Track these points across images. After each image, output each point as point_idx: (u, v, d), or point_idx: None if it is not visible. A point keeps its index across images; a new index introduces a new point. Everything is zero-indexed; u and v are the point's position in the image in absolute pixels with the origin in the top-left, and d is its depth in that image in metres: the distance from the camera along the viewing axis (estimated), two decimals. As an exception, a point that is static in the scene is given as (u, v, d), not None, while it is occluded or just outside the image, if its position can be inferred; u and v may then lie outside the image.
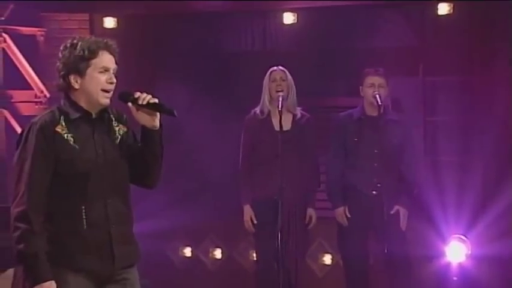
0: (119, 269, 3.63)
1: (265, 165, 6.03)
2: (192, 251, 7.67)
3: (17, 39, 7.68)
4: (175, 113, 3.54)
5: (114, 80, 3.59)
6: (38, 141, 3.50)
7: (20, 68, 7.71)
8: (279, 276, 5.78)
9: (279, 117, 5.89)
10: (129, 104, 3.58)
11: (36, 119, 3.58)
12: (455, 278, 6.48)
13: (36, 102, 7.83)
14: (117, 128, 3.68)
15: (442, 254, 6.59)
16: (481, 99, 6.87)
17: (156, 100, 3.58)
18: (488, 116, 6.74)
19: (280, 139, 5.81)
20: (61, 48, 3.60)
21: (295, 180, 6.03)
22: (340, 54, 7.39)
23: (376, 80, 5.98)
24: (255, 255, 6.48)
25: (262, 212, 6.09)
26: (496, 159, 6.62)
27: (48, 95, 7.88)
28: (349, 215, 6.05)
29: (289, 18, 7.33)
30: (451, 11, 6.89)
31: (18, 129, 7.57)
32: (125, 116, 3.72)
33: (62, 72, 3.57)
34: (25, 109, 7.79)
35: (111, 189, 3.60)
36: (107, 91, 3.57)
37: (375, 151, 5.94)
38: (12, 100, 7.73)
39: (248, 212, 6.15)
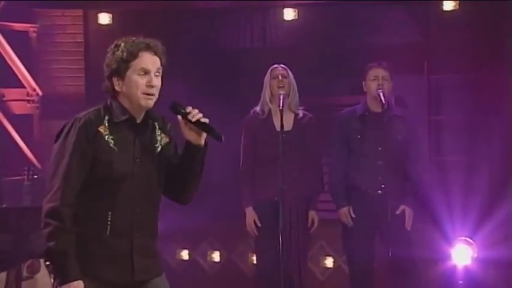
0: (138, 282, 3.60)
1: (266, 166, 6.00)
2: (189, 254, 7.65)
3: (9, 35, 7.68)
4: (223, 138, 3.52)
5: (155, 83, 3.52)
6: (78, 138, 3.48)
7: (12, 66, 7.71)
8: (280, 280, 5.74)
9: (280, 116, 5.86)
10: (179, 117, 3.55)
11: (80, 114, 3.55)
12: (461, 282, 6.50)
13: (28, 100, 7.83)
14: (159, 138, 3.66)
15: (447, 257, 6.61)
16: (488, 98, 6.89)
17: (207, 120, 3.54)
18: (495, 115, 6.77)
19: (281, 139, 5.79)
20: (108, 50, 3.59)
21: (297, 182, 6.00)
22: (343, 51, 7.38)
23: (380, 72, 5.94)
24: (254, 258, 6.46)
25: (262, 214, 6.06)
26: (503, 159, 6.62)
27: (40, 93, 7.86)
28: (353, 216, 6.02)
29: (289, 14, 7.35)
30: (457, 6, 6.93)
31: (10, 129, 7.55)
32: (169, 125, 3.69)
33: (106, 74, 3.57)
34: (17, 108, 7.78)
35: (142, 198, 3.58)
36: (148, 94, 3.53)
37: (379, 149, 5.90)
38: (4, 99, 7.71)
39: (251, 214, 6.11)
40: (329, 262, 7.33)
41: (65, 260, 3.43)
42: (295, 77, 6.15)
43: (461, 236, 6.56)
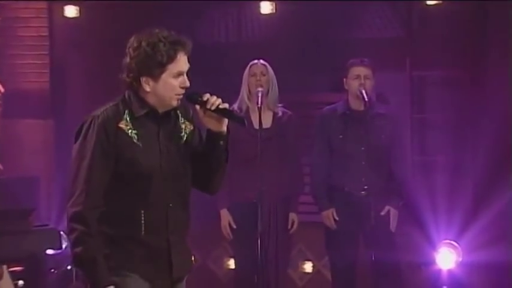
0: (176, 278, 3.64)
1: (244, 166, 5.98)
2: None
3: (-32, 28, 7.61)
4: (246, 122, 3.60)
5: (187, 84, 3.54)
6: (98, 137, 3.48)
7: (-29, 61, 7.62)
8: (259, 286, 5.75)
9: (258, 114, 5.86)
10: (197, 106, 3.56)
11: (98, 112, 3.53)
12: (445, 287, 6.49)
13: (-11, 98, 7.71)
14: (183, 126, 3.67)
15: (431, 261, 6.60)
16: (474, 95, 6.89)
17: (226, 105, 3.56)
18: (481, 113, 6.76)
19: (259, 138, 5.78)
20: (133, 44, 3.53)
21: (276, 182, 6.01)
22: (323, 46, 7.35)
23: (362, 70, 5.97)
24: (230, 263, 6.47)
25: (240, 217, 6.08)
26: (490, 159, 6.60)
27: (2, 90, 7.78)
28: (337, 218, 6.03)
29: (266, 7, 7.33)
30: (441, 0, 6.92)
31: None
32: (191, 112, 3.70)
33: (132, 74, 3.52)
34: (-23, 106, 7.66)
35: (173, 193, 3.58)
36: (179, 94, 3.55)
37: (362, 148, 5.93)
38: (-37, 96, 7.60)
39: (225, 216, 6.12)
40: (308, 267, 7.34)
41: (94, 266, 3.44)
42: (272, 74, 6.13)
43: (446, 239, 6.57)
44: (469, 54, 6.99)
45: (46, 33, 7.78)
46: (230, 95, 6.19)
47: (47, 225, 6.26)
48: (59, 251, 6.30)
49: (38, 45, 7.81)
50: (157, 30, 3.53)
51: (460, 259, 6.54)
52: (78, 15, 7.60)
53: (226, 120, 3.59)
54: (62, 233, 5.95)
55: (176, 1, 7.32)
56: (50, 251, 6.30)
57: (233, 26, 7.91)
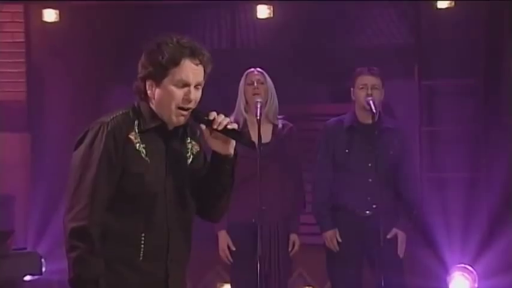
0: None
1: (242, 184, 5.74)
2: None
3: None
4: (256, 144, 3.41)
5: (193, 97, 3.42)
6: (106, 146, 3.39)
7: None
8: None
9: (257, 127, 5.79)
10: (202, 126, 3.49)
11: (107, 118, 3.45)
12: (458, 315, 6.55)
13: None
14: (190, 146, 3.58)
15: (444, 286, 6.61)
16: (488, 106, 6.90)
17: (235, 126, 3.50)
18: (496, 125, 6.80)
19: (259, 153, 5.68)
20: (149, 46, 3.47)
21: (277, 201, 5.95)
22: (324, 53, 7.36)
23: (370, 80, 5.93)
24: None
25: (238, 238, 6.02)
26: (507, 175, 6.61)
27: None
28: (340, 240, 5.98)
29: (263, 11, 7.31)
30: (452, 4, 6.94)
31: None
32: (198, 131, 3.60)
33: (140, 75, 3.47)
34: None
35: (177, 218, 3.50)
36: (183, 109, 3.43)
37: (369, 165, 5.89)
38: None
39: (224, 238, 6.05)
40: (309, 293, 7.32)
41: None
42: (270, 83, 6.17)
43: (460, 264, 6.59)
44: (483, 62, 7.03)
45: (22, 39, 7.77)
46: (223, 107, 6.12)
47: (24, 248, 6.19)
48: (39, 276, 6.25)
49: (14, 52, 7.79)
50: (177, 35, 3.49)
51: (476, 285, 6.54)
52: (57, 19, 7.57)
53: (233, 142, 3.51)
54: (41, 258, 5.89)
55: (164, 4, 7.33)
56: (28, 277, 6.25)
57: (227, 32, 7.92)
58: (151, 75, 3.42)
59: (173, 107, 3.42)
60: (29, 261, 5.88)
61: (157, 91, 3.43)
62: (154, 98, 3.45)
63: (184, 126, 3.52)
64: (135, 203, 3.43)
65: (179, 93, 3.41)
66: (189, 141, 3.57)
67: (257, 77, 6.06)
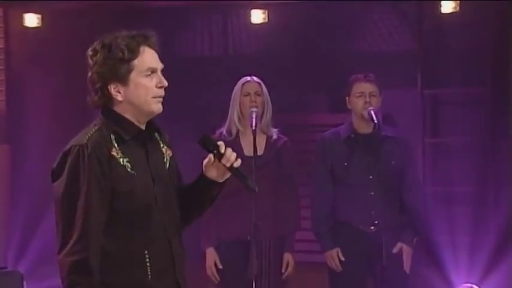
0: None
1: (234, 198, 5.76)
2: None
3: None
4: (257, 189, 3.62)
5: (165, 83, 3.47)
6: (91, 170, 3.32)
7: None
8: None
9: (252, 138, 5.79)
10: (210, 155, 3.54)
11: (82, 139, 3.37)
12: (464, 337, 6.55)
13: None
14: (164, 150, 3.57)
15: (451, 307, 6.59)
16: (495, 116, 6.87)
17: (239, 163, 3.52)
18: (504, 136, 6.76)
19: (254, 166, 5.66)
20: (89, 53, 3.43)
21: (271, 217, 5.93)
22: (321, 60, 7.33)
23: (366, 87, 5.90)
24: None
25: (229, 256, 6.00)
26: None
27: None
28: (342, 258, 5.93)
29: (257, 16, 7.27)
30: (457, 8, 6.88)
31: None
32: (167, 136, 3.64)
33: (98, 84, 3.40)
34: None
35: (172, 225, 3.51)
36: (159, 96, 3.45)
37: (370, 177, 5.88)
38: None
39: (211, 256, 6.02)
40: (305, 317, 7.20)
41: None
42: (264, 92, 6.21)
43: (467, 283, 6.55)
44: (490, 69, 6.99)
45: (1, 45, 7.73)
46: (214, 114, 6.01)
47: (5, 267, 6.25)
48: (21, 297, 6.35)
49: (-8, 59, 7.82)
50: (114, 33, 3.47)
51: (484, 306, 6.57)
52: (39, 24, 7.53)
53: (228, 174, 3.55)
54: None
55: (151, 8, 7.30)
56: (9, 298, 6.36)
57: (219, 37, 7.91)
58: (114, 76, 3.38)
59: (149, 98, 3.43)
60: (10, 281, 5.82)
61: (126, 91, 3.41)
62: (124, 100, 3.42)
63: (156, 130, 3.54)
64: (130, 221, 3.40)
65: (151, 83, 3.42)
66: (162, 145, 3.58)
67: (254, 87, 6.04)
